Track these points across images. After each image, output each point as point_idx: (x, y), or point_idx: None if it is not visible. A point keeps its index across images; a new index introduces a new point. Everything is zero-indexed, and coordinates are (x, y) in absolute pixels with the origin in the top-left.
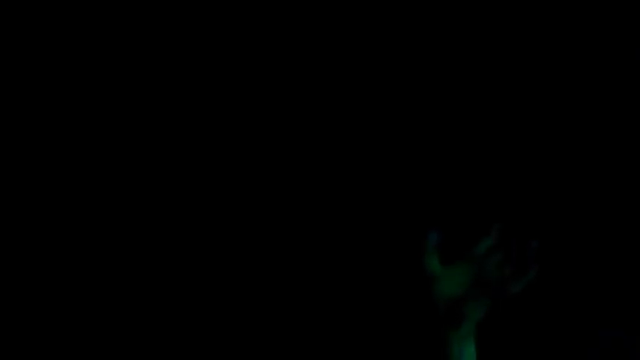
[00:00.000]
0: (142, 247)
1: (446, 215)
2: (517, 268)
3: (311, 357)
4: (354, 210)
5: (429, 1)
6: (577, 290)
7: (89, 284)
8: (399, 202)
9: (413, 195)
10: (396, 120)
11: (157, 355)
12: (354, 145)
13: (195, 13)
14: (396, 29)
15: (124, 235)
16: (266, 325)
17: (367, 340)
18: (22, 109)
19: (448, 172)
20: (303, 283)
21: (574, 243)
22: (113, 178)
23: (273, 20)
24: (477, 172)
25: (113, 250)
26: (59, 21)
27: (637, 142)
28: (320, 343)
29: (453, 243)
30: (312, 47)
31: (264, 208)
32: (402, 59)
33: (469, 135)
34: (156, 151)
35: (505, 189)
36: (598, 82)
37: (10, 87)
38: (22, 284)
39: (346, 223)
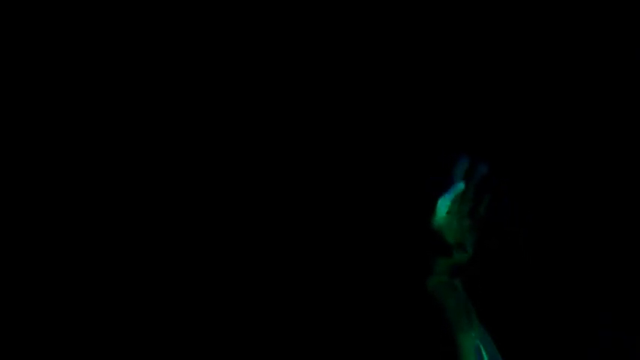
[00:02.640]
0: (142, 247)
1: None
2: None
3: (313, 357)
4: (352, 208)
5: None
6: (577, 290)
7: (89, 284)
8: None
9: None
10: (390, 119)
11: (157, 355)
12: (352, 144)
13: (195, 13)
14: (396, 29)
15: (124, 235)
16: (266, 325)
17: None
18: (22, 109)
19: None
20: (304, 283)
21: (573, 243)
22: (113, 178)
23: (273, 20)
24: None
25: (113, 250)
26: (59, 21)
27: (637, 141)
28: (324, 343)
29: None
30: (312, 47)
31: (264, 209)
32: (402, 59)
33: (466, 135)
34: (156, 151)
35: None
36: (598, 81)
37: (10, 87)
38: (22, 284)
39: (345, 221)
